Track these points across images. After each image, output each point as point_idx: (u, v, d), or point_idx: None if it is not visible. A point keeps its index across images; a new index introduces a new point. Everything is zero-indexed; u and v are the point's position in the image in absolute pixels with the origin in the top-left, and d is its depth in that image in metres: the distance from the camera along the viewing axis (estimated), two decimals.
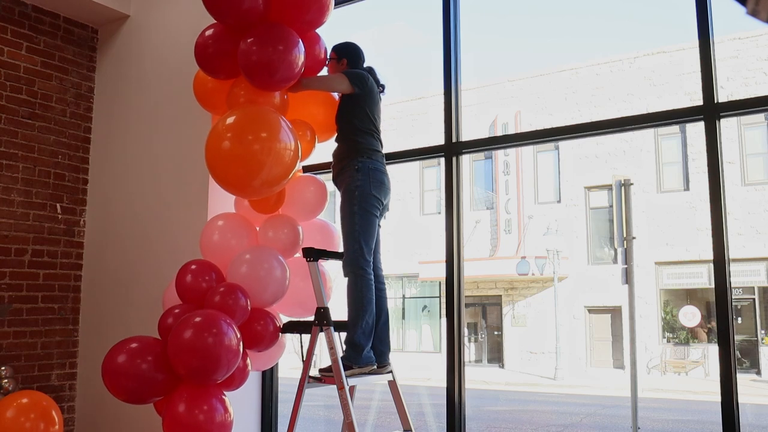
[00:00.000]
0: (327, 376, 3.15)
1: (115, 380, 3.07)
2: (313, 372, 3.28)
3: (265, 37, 3.21)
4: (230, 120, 3.20)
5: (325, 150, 3.75)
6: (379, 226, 3.44)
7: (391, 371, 3.41)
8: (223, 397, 3.20)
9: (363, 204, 3.27)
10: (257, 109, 3.29)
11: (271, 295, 3.39)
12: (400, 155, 4.42)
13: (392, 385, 3.42)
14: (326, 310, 3.27)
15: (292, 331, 3.52)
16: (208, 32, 3.43)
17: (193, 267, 3.38)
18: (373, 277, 3.30)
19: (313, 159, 4.07)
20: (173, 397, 3.09)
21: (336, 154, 3.49)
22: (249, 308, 3.28)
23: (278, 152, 3.16)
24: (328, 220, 3.92)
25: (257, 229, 3.59)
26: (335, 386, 3.11)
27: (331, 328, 3.23)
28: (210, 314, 3.04)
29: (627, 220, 9.91)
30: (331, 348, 3.15)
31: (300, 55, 3.27)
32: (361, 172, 3.31)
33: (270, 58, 3.18)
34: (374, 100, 3.47)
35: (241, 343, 3.09)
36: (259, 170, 3.15)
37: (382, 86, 3.61)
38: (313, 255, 3.34)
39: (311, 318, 3.36)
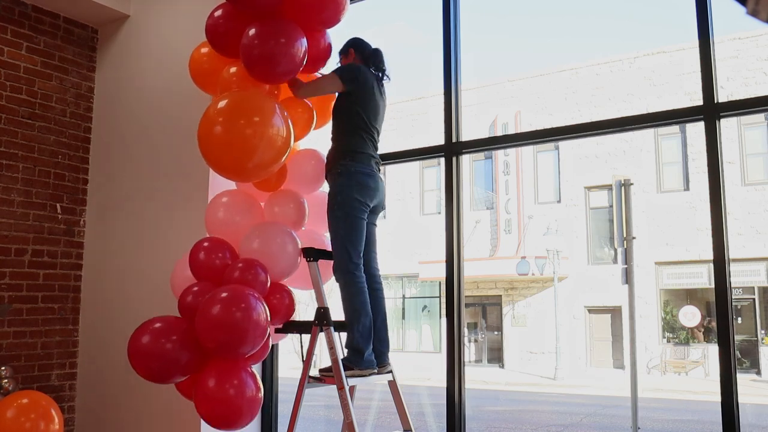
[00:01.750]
0: (327, 376, 3.15)
1: (141, 361, 3.13)
2: (313, 372, 3.28)
3: (267, 31, 3.22)
4: (222, 104, 3.21)
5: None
6: (374, 225, 3.42)
7: (390, 371, 3.41)
8: (253, 372, 3.24)
9: (345, 209, 3.24)
10: (250, 93, 3.30)
11: (283, 270, 3.41)
12: (400, 155, 4.42)
13: (392, 385, 3.42)
14: (326, 310, 3.25)
15: (291, 331, 3.50)
16: (217, 13, 3.46)
17: (206, 244, 3.39)
18: (363, 279, 3.28)
19: None
20: (203, 374, 3.14)
21: (327, 156, 3.47)
22: (268, 283, 3.29)
23: (271, 136, 3.17)
24: None
25: (262, 205, 3.60)
26: (335, 386, 3.11)
27: (331, 328, 3.22)
28: (238, 289, 3.07)
29: (627, 220, 9.90)
30: (331, 348, 3.14)
31: (302, 48, 3.27)
32: (342, 176, 3.27)
33: (272, 52, 3.20)
34: (368, 96, 3.38)
35: (268, 317, 3.11)
36: (251, 154, 3.15)
37: (383, 71, 3.52)
38: (313, 255, 3.33)
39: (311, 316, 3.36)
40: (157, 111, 4.70)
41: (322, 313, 3.24)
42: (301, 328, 3.42)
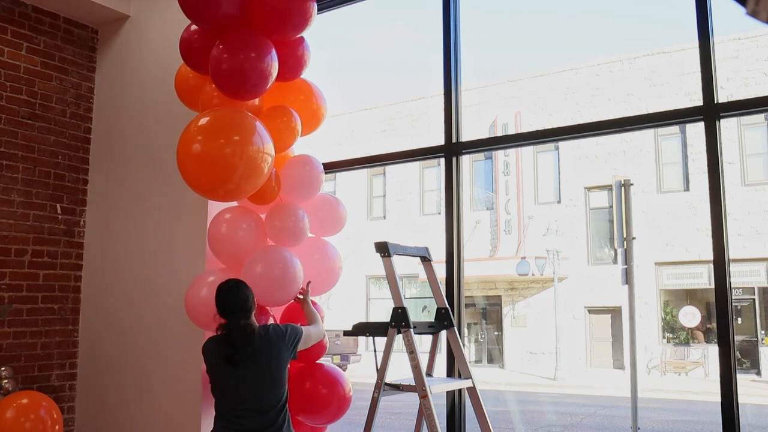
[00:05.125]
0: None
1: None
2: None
3: (235, 45, 3.16)
4: (202, 122, 3.17)
5: (336, 147, 3.75)
6: None
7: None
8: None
9: None
10: (230, 111, 3.25)
11: (285, 296, 3.40)
12: (400, 155, 4.42)
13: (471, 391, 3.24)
14: (404, 310, 2.95)
15: (363, 333, 3.20)
16: (193, 27, 3.42)
17: None
18: None
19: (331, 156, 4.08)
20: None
21: None
22: None
23: (251, 156, 3.11)
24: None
25: (263, 217, 3.59)
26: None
27: (411, 330, 2.92)
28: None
29: (627, 221, 9.90)
30: (411, 352, 2.87)
31: (273, 62, 3.22)
32: None
33: (241, 67, 3.13)
34: None
35: None
36: (230, 174, 3.10)
37: None
38: (387, 250, 3.06)
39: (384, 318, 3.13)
40: (157, 111, 4.70)
41: (400, 313, 2.95)
42: (375, 330, 3.11)
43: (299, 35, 3.50)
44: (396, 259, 3.15)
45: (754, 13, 1.22)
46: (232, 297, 2.89)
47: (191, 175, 3.20)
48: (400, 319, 2.96)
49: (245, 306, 2.89)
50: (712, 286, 4.64)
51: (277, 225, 3.50)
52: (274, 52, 3.24)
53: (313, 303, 3.45)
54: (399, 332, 2.96)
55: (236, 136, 3.12)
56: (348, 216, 3.90)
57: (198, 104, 3.60)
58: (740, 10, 1.24)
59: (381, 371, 2.99)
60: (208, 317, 3.03)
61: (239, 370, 2.83)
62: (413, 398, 3.00)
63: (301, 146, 3.79)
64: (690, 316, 16.95)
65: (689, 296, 17.25)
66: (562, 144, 18.31)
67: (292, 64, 3.51)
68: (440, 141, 4.03)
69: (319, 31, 3.63)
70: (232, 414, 2.86)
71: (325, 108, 3.87)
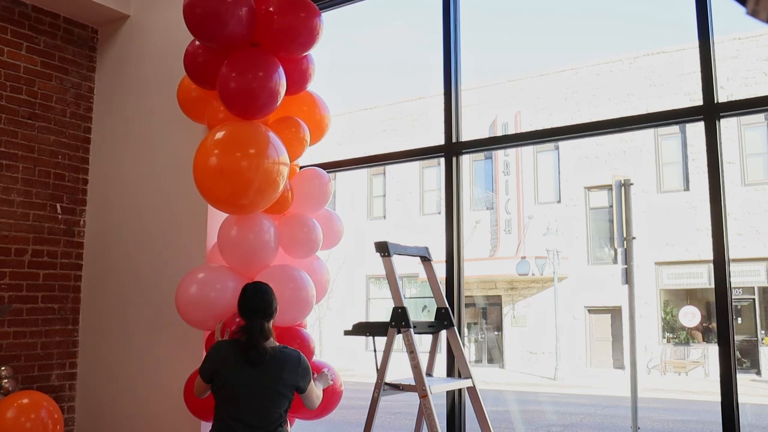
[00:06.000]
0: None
1: None
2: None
3: (243, 66, 3.17)
4: (218, 136, 3.18)
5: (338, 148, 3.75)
6: None
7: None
8: None
9: None
10: (245, 124, 3.26)
11: (297, 315, 3.39)
12: (400, 155, 4.42)
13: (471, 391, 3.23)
14: (404, 310, 2.96)
15: (362, 333, 3.17)
16: (198, 42, 3.42)
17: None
18: None
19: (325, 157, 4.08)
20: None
21: None
22: None
23: (267, 169, 3.12)
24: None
25: (276, 224, 3.57)
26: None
27: (411, 330, 2.92)
28: None
29: (627, 220, 9.90)
30: (411, 352, 2.87)
31: (281, 81, 3.24)
32: None
33: (249, 86, 3.14)
34: None
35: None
36: (247, 187, 3.12)
37: None
38: (387, 250, 3.06)
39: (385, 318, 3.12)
40: (156, 111, 4.70)
41: (400, 313, 2.96)
42: (375, 330, 3.09)
43: (306, 52, 3.50)
44: (396, 259, 3.14)
45: (754, 13, 1.22)
46: (257, 298, 2.83)
47: (207, 188, 3.21)
48: (400, 319, 2.96)
49: (268, 309, 2.84)
50: (712, 286, 4.64)
51: (290, 234, 3.50)
52: (281, 71, 3.25)
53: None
54: (399, 332, 2.96)
55: (252, 149, 3.14)
56: (344, 231, 3.89)
57: (200, 116, 3.60)
58: (740, 9, 1.23)
59: (381, 371, 2.99)
60: (198, 315, 3.13)
61: (247, 377, 2.76)
62: (413, 398, 2.99)
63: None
64: (690, 316, 16.95)
65: (689, 296, 17.25)
66: (562, 144, 18.31)
67: (297, 78, 3.51)
68: (440, 141, 4.03)
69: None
70: (231, 420, 2.79)
71: (328, 118, 3.87)
